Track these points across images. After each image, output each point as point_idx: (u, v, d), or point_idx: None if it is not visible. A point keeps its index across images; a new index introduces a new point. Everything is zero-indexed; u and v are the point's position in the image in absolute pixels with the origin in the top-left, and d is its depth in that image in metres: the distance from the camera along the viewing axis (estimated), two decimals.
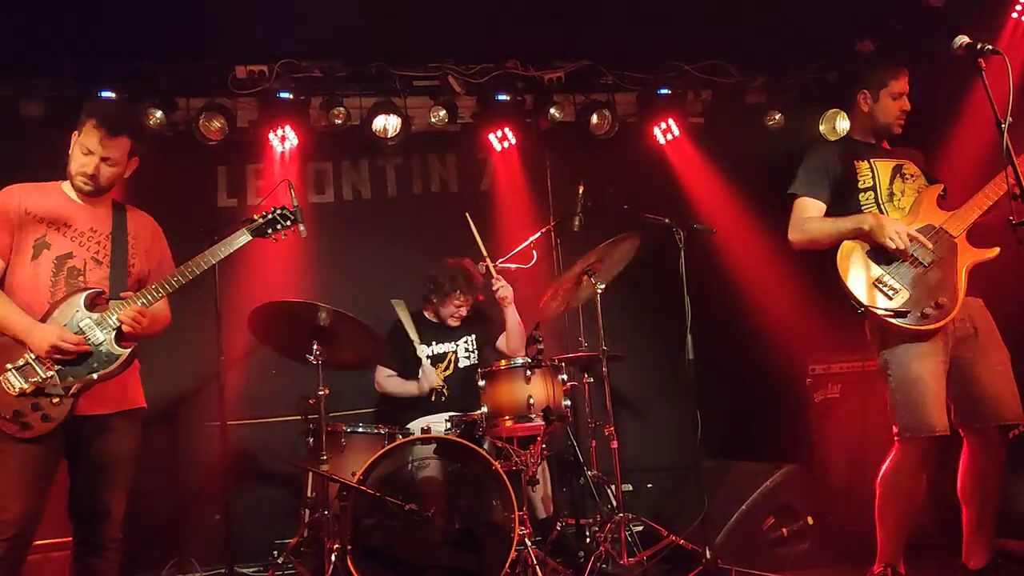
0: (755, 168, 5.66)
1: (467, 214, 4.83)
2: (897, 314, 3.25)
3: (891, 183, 3.50)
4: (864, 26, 5.27)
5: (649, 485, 5.60)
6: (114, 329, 2.96)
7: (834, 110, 5.70)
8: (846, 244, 3.39)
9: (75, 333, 2.91)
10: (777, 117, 5.74)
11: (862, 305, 3.29)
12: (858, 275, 3.34)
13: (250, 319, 4.08)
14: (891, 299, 3.28)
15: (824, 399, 4.89)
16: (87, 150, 3.04)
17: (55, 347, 2.85)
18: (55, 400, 2.85)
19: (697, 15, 5.07)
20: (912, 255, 3.32)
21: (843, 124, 5.69)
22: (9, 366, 2.85)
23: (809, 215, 3.53)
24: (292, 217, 3.28)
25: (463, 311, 4.89)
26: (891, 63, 3.67)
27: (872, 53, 5.25)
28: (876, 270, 3.34)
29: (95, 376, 2.92)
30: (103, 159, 3.05)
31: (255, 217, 3.25)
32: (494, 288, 4.70)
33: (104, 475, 3.02)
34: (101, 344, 2.95)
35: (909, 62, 3.68)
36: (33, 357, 2.87)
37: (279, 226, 3.26)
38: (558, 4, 4.92)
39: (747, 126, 5.81)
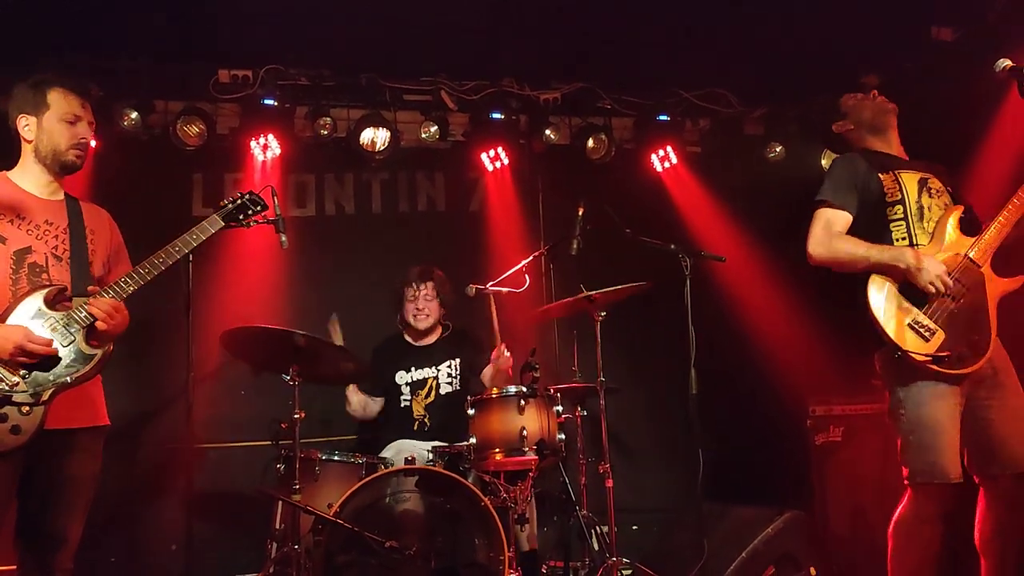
0: (753, 200, 5.55)
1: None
2: (935, 359, 3.02)
3: (919, 197, 3.27)
4: (870, 60, 5.16)
5: (635, 527, 5.32)
6: (84, 327, 2.67)
7: None
8: (875, 279, 3.14)
9: (39, 334, 2.61)
10: (778, 150, 5.61)
11: (900, 349, 3.04)
12: (892, 315, 3.09)
13: (222, 338, 3.81)
14: (928, 340, 3.05)
15: (826, 442, 4.65)
16: (74, 117, 2.81)
17: (20, 348, 2.55)
18: (24, 409, 2.56)
19: (698, 42, 4.94)
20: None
21: None
22: None
23: (836, 230, 3.26)
24: (262, 203, 3.12)
25: (429, 307, 4.61)
26: None
27: (877, 87, 5.12)
28: (910, 309, 3.09)
29: (69, 379, 2.63)
30: (90, 123, 2.86)
31: (224, 202, 3.06)
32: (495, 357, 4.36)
33: (63, 498, 2.72)
34: (71, 344, 2.65)
35: (919, 96, 3.54)
36: None
37: (250, 211, 3.09)
38: (557, 24, 4.75)
39: (745, 157, 5.68)
